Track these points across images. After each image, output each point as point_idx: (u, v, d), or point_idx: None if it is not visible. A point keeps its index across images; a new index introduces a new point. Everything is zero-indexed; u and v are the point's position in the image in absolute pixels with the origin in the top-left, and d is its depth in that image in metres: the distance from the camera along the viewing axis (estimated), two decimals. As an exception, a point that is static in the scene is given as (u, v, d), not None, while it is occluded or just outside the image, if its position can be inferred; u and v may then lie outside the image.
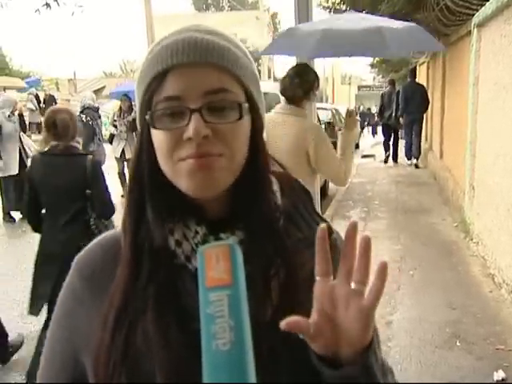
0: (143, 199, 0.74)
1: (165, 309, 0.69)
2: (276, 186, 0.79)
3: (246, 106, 0.71)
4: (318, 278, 0.64)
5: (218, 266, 0.56)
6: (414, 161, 11.68)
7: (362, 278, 0.62)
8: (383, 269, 0.62)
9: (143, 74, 0.72)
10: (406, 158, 12.03)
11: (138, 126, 0.75)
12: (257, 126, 0.75)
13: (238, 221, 0.73)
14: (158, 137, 0.70)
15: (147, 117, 0.70)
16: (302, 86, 3.11)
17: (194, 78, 0.68)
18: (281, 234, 0.75)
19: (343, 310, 0.63)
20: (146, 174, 0.73)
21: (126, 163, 8.93)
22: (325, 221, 0.81)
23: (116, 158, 9.12)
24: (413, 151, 11.68)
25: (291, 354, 0.69)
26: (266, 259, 0.72)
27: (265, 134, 0.77)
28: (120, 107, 9.00)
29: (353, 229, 0.64)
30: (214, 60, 0.68)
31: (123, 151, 8.94)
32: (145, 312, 0.70)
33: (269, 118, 2.94)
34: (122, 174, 9.13)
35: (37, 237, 3.15)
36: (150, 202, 0.73)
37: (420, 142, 11.62)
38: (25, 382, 3.27)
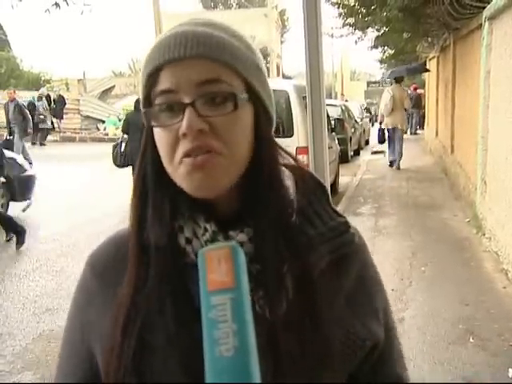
0: (147, 198, 0.73)
1: (181, 308, 0.68)
2: (289, 181, 0.76)
3: (242, 96, 0.69)
4: None
5: (219, 268, 0.54)
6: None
7: None
8: None
9: (142, 71, 0.72)
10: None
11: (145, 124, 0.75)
12: (261, 118, 0.73)
13: (248, 218, 0.71)
14: (158, 135, 0.70)
15: (144, 113, 0.71)
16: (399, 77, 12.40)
17: (186, 71, 0.67)
18: (293, 231, 0.72)
19: None
20: (149, 172, 0.73)
21: None
22: (341, 216, 0.79)
23: None
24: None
25: (308, 352, 0.68)
26: (277, 257, 0.70)
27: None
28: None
29: None
30: (205, 52, 0.67)
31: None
32: (162, 312, 0.69)
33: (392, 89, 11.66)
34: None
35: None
36: (151, 200, 0.73)
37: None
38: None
